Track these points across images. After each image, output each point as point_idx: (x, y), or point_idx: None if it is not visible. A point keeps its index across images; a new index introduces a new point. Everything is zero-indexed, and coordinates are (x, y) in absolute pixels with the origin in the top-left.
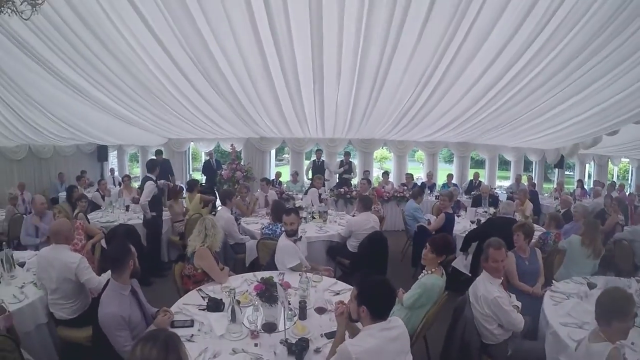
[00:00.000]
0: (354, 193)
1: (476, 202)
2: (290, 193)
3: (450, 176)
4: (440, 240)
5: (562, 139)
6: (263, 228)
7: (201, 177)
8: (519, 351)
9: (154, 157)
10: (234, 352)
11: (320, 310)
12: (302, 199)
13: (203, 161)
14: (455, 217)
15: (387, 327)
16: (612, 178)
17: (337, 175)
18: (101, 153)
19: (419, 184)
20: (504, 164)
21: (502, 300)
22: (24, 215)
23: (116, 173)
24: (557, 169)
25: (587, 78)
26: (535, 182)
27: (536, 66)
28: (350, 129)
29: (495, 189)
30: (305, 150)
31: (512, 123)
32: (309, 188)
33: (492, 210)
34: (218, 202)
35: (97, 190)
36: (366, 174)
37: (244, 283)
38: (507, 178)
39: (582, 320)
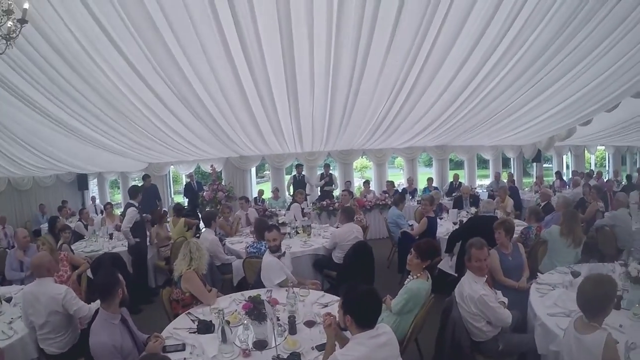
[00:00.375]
0: (337, 205)
1: (457, 204)
2: (273, 210)
3: (430, 180)
4: (425, 246)
5: (537, 133)
6: (248, 247)
7: (183, 200)
8: (509, 345)
9: (135, 184)
10: None
11: (310, 324)
12: (285, 215)
13: (184, 184)
14: (438, 220)
15: (375, 334)
16: (590, 167)
17: (319, 188)
18: (81, 182)
19: (400, 190)
20: (483, 163)
21: (488, 297)
22: (7, 250)
23: (97, 201)
24: (535, 163)
25: (555, 73)
26: (515, 177)
27: (505, 66)
28: (328, 141)
29: (475, 188)
30: (285, 166)
31: (487, 122)
32: (292, 203)
33: (473, 210)
34: (202, 224)
35: (80, 220)
36: (348, 184)
37: (233, 303)
38: (487, 176)
39: (569, 308)
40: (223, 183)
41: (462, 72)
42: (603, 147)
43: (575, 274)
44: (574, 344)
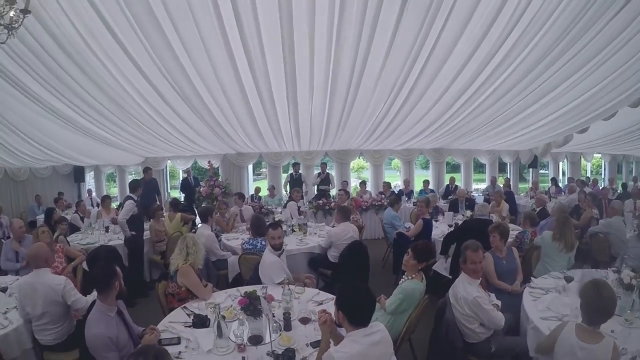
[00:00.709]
0: (333, 204)
1: (453, 207)
2: (269, 207)
3: (426, 182)
4: (423, 248)
5: (534, 139)
6: (244, 243)
7: (179, 195)
8: (501, 347)
9: (136, 178)
10: None
11: (305, 321)
12: (281, 213)
13: (181, 179)
14: (434, 222)
15: (370, 332)
16: (586, 174)
17: (315, 187)
18: (78, 174)
19: (397, 191)
20: (480, 167)
21: (482, 299)
22: (2, 240)
23: (94, 194)
24: (531, 169)
25: (553, 81)
26: (511, 182)
27: (503, 71)
28: (325, 141)
29: (471, 192)
30: (283, 164)
31: (484, 127)
32: (288, 201)
33: (469, 213)
34: (197, 220)
35: (76, 212)
36: (344, 184)
37: (228, 298)
38: (483, 180)
39: (561, 313)
40: (220, 179)
41: (461, 76)
42: (599, 155)
43: (569, 279)
44: (579, 353)
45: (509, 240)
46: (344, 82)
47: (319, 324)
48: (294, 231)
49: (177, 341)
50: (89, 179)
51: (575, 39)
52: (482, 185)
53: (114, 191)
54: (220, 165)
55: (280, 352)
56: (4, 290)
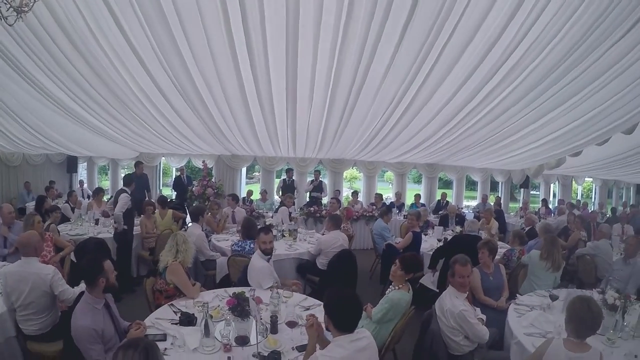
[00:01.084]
0: (324, 212)
1: (443, 222)
2: (260, 211)
3: (417, 196)
4: (410, 259)
5: (527, 160)
6: (233, 245)
7: (171, 193)
8: None
9: (129, 173)
10: None
11: (292, 324)
12: (272, 217)
13: (173, 177)
14: (423, 236)
15: (356, 338)
16: (577, 197)
17: (308, 193)
18: (71, 164)
19: (388, 203)
20: (472, 184)
21: (468, 313)
22: None
23: (85, 185)
24: (522, 189)
25: (549, 104)
26: (502, 201)
27: (502, 91)
28: (321, 149)
29: (462, 208)
30: (276, 169)
31: (478, 145)
32: (280, 206)
33: (458, 228)
34: (188, 219)
35: (67, 202)
36: (337, 193)
37: (216, 298)
38: (474, 198)
39: (545, 329)
40: (213, 180)
41: (460, 93)
42: (591, 179)
43: (554, 298)
44: None
45: (497, 257)
46: (344, 92)
47: (306, 327)
48: (284, 236)
49: (163, 338)
50: (82, 170)
51: (575, 64)
52: (473, 203)
53: (106, 184)
54: (214, 165)
55: (266, 354)
56: None
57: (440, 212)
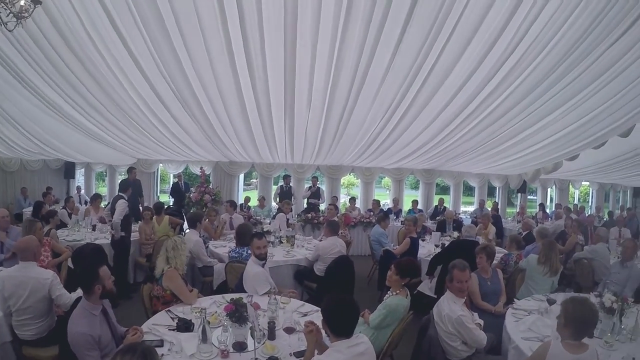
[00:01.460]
0: (321, 219)
1: (441, 227)
2: (258, 217)
3: (415, 202)
4: (405, 264)
5: (524, 164)
6: (230, 251)
7: (169, 199)
8: None
9: (126, 179)
10: None
11: (289, 331)
12: (269, 224)
13: (171, 183)
14: (420, 242)
15: (354, 343)
16: (574, 201)
17: (305, 200)
18: (68, 170)
19: (386, 210)
20: (469, 190)
21: (466, 318)
22: None
23: (82, 191)
24: (520, 194)
25: (546, 108)
26: (499, 206)
27: (499, 95)
28: (318, 155)
29: (459, 214)
30: (274, 175)
31: (475, 150)
32: (277, 213)
33: (456, 234)
34: (185, 225)
35: (64, 208)
36: (334, 199)
37: (213, 304)
38: (471, 203)
39: (543, 334)
40: (211, 186)
41: (457, 98)
42: (588, 183)
43: (551, 302)
44: None
45: (494, 262)
46: (342, 98)
47: (304, 333)
48: (282, 243)
49: (160, 344)
50: (79, 176)
51: (571, 67)
52: (470, 208)
53: (103, 190)
54: (211, 172)
55: None
56: None
57: (437, 218)
